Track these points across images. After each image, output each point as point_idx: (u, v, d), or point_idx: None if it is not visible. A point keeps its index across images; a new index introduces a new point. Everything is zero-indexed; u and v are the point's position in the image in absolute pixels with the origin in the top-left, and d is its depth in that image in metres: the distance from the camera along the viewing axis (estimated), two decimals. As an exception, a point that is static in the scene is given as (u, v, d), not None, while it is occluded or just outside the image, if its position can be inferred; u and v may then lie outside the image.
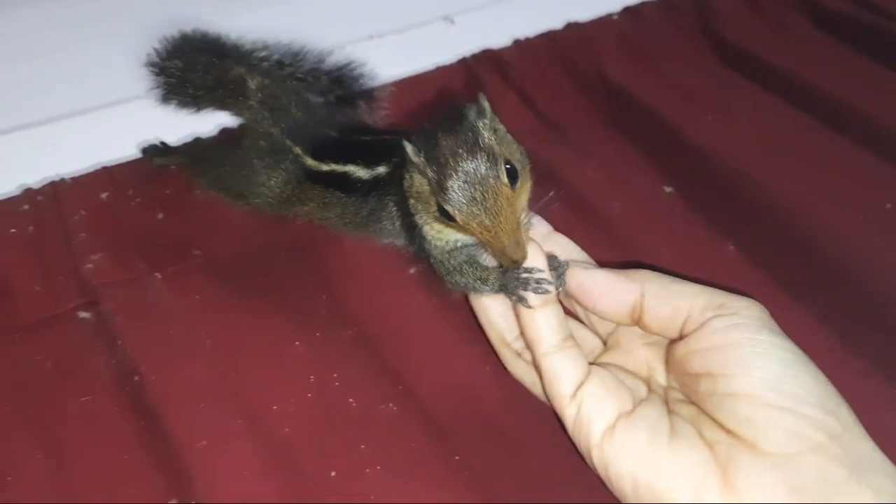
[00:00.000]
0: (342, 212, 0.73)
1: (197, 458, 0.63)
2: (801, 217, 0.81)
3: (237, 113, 0.85)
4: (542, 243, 0.62)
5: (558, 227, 0.83)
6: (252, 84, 0.81)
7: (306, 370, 0.70)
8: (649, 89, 0.98)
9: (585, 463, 0.58)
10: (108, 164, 0.85)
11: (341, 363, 0.71)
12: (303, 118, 0.79)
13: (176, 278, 0.77)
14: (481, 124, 0.59)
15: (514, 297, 0.60)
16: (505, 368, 0.66)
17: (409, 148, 0.59)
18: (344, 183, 0.72)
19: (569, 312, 0.67)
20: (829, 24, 1.10)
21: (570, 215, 0.86)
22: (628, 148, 0.94)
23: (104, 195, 0.81)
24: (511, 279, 0.60)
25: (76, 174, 0.84)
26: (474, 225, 0.57)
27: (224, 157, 0.80)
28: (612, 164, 0.92)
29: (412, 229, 0.65)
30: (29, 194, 0.80)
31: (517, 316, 0.61)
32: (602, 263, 0.80)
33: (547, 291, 0.58)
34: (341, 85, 0.88)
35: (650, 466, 0.53)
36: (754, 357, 0.53)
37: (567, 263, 0.62)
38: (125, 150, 0.88)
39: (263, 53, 0.87)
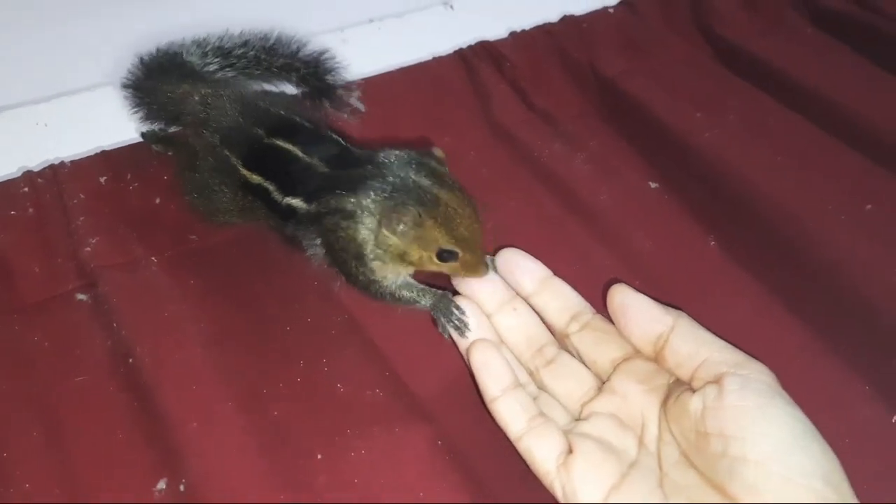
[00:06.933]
0: (276, 224, 0.75)
1: (188, 439, 0.65)
2: (782, 215, 0.82)
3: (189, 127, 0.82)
4: (540, 289, 0.70)
5: (547, 217, 0.86)
6: (196, 97, 0.80)
7: (296, 355, 0.72)
8: (641, 84, 0.99)
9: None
10: (107, 147, 0.87)
11: (330, 349, 0.73)
12: (236, 118, 0.77)
13: (172, 262, 0.79)
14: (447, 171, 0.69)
15: (440, 324, 0.70)
16: None
17: (409, 213, 0.65)
18: (268, 199, 0.73)
19: (566, 349, 0.70)
20: (825, 23, 1.11)
21: (558, 207, 0.88)
22: (618, 142, 0.96)
23: (103, 179, 0.83)
24: (443, 308, 0.70)
25: (75, 156, 0.85)
26: (470, 256, 0.67)
27: (193, 184, 0.79)
28: (601, 157, 0.93)
29: (345, 269, 0.71)
30: (29, 177, 0.82)
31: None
32: (587, 255, 0.82)
33: (462, 333, 0.68)
34: (310, 80, 0.89)
35: None
36: (767, 424, 0.54)
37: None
38: (124, 131, 0.89)
39: (241, 51, 0.88)
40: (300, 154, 0.72)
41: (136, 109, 0.87)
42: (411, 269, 0.70)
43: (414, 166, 0.67)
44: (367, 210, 0.67)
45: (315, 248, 0.72)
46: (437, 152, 0.70)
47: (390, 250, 0.68)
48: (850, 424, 0.69)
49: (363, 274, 0.70)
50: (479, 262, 0.68)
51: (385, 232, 0.66)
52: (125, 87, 0.87)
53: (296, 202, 0.71)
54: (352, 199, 0.67)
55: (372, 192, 0.66)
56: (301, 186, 0.71)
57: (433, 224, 0.65)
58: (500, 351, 0.66)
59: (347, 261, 0.70)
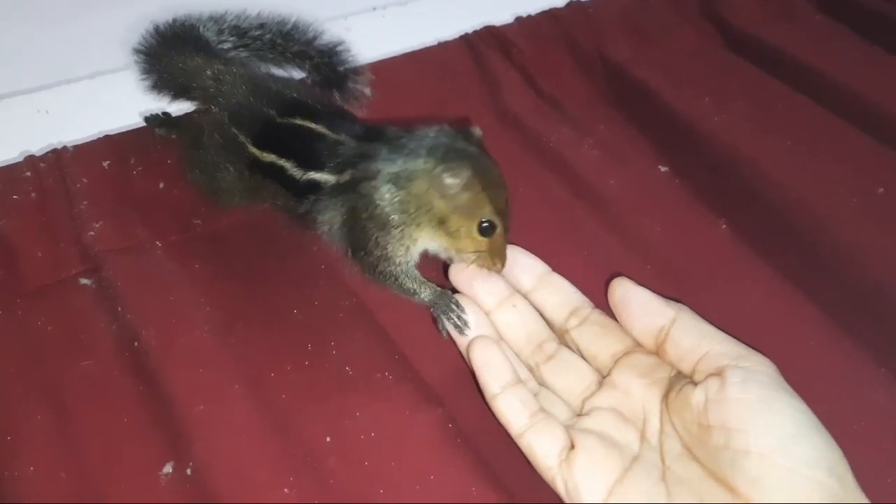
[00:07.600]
0: (285, 203, 0.74)
1: (195, 422, 0.64)
2: (793, 198, 0.82)
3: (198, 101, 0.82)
4: (539, 285, 0.70)
5: (555, 202, 0.85)
6: (209, 71, 0.79)
7: (304, 338, 0.71)
8: (649, 70, 0.98)
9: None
10: (110, 132, 0.86)
11: (338, 332, 0.72)
12: (247, 96, 0.76)
13: (176, 247, 0.78)
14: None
15: (440, 322, 0.69)
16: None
17: (464, 172, 0.63)
18: (282, 177, 0.72)
19: (566, 344, 0.70)
20: (832, 8, 1.10)
21: (566, 192, 0.87)
22: (626, 127, 0.96)
23: (106, 164, 0.82)
24: (442, 306, 0.69)
25: (78, 141, 0.84)
26: (501, 237, 0.67)
27: (197, 162, 0.78)
28: (609, 142, 0.93)
29: (362, 243, 0.69)
30: (31, 161, 0.81)
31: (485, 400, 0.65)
32: (596, 240, 0.81)
33: (462, 331, 0.68)
34: (323, 69, 0.88)
35: None
36: (770, 416, 0.54)
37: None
38: (127, 117, 0.89)
39: (257, 32, 0.87)
40: (325, 131, 0.71)
41: (145, 76, 0.85)
42: (436, 244, 0.68)
43: (461, 137, 0.67)
44: (415, 172, 0.65)
45: (329, 225, 0.71)
46: (476, 131, 0.69)
47: (431, 213, 0.66)
48: (863, 408, 0.69)
49: (381, 248, 0.68)
50: (504, 250, 0.67)
51: (433, 191, 0.65)
52: (137, 52, 0.85)
53: (320, 176, 0.69)
54: (398, 161, 0.66)
55: (424, 151, 0.65)
56: (329, 160, 0.69)
57: (481, 190, 0.64)
58: (500, 347, 0.66)
59: (369, 231, 0.68)
